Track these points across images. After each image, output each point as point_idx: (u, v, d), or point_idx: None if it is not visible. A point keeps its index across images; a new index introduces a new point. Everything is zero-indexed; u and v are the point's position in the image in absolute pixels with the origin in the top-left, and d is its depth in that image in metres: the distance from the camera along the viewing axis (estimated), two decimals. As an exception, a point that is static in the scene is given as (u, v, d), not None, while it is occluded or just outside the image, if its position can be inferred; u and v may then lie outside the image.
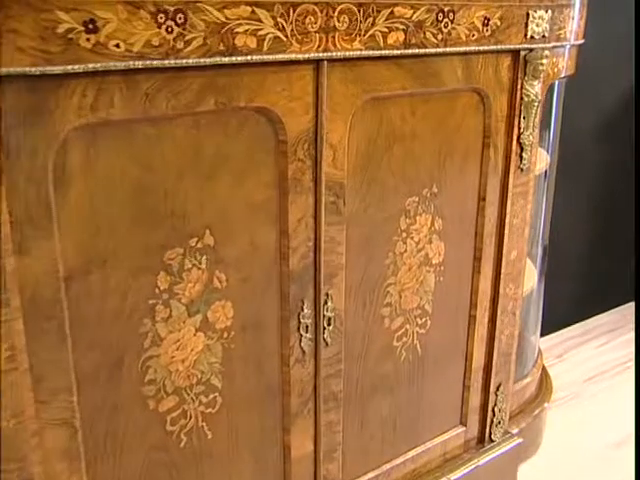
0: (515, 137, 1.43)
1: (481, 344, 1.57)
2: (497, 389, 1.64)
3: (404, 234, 1.34)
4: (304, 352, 1.24)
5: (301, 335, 1.22)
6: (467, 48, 1.26)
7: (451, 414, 1.59)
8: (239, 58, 0.99)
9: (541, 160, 1.68)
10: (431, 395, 1.53)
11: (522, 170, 1.47)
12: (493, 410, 1.65)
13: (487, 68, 1.34)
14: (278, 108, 1.08)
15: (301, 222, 1.16)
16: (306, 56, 1.06)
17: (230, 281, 1.13)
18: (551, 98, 1.72)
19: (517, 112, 1.41)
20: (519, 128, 1.43)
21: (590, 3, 1.58)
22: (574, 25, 1.52)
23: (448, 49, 1.23)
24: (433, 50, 1.21)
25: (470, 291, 1.51)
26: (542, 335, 2.50)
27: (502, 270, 1.52)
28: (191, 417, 1.15)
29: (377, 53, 1.14)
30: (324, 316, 1.24)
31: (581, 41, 1.58)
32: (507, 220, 1.49)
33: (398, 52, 1.17)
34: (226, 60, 0.98)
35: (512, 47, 1.34)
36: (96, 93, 0.90)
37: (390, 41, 1.15)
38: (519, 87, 1.40)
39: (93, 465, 1.05)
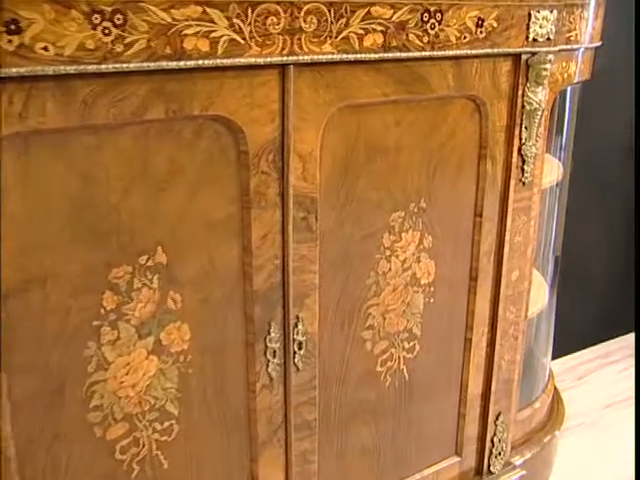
0: (516, 148, 1.32)
1: (478, 370, 1.46)
2: (497, 418, 1.53)
3: (388, 252, 1.25)
4: (271, 378, 1.16)
5: (268, 360, 1.15)
6: (458, 52, 1.17)
7: (445, 444, 1.50)
8: (189, 63, 0.92)
9: (553, 172, 1.57)
10: (421, 423, 1.43)
11: (524, 184, 1.37)
12: (492, 440, 1.54)
13: (483, 73, 1.24)
14: (238, 117, 1.00)
15: (266, 239, 1.08)
16: (268, 60, 0.98)
17: (186, 302, 1.05)
18: (564, 105, 1.60)
19: (518, 121, 1.31)
20: (520, 138, 1.32)
21: (613, 3, 1.47)
22: (588, 27, 1.40)
23: (436, 53, 1.14)
24: (418, 54, 1.12)
25: (466, 313, 1.41)
26: (560, 355, 2.38)
27: (502, 291, 1.42)
28: (144, 445, 1.08)
29: (351, 57, 1.05)
30: (294, 340, 1.16)
31: (597, 44, 1.47)
32: (507, 238, 1.38)
33: (376, 56, 1.08)
34: (174, 65, 0.90)
35: (511, 51, 1.24)
36: (25, 100, 0.83)
37: (367, 44, 1.06)
38: (520, 94, 1.29)
39: (33, 493, 1.00)
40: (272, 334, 1.14)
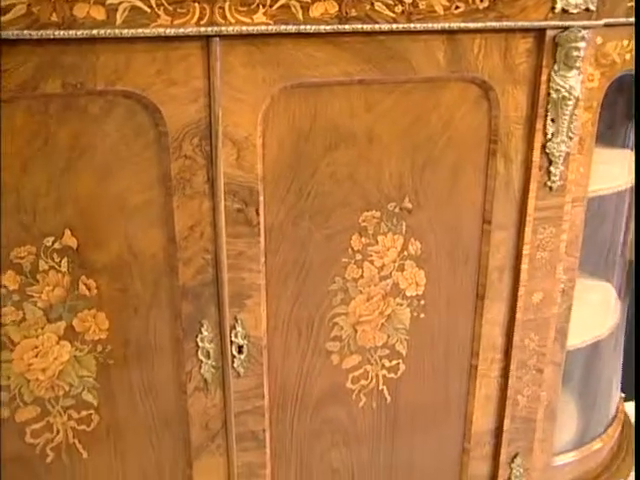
0: (538, 145, 1.11)
1: (487, 402, 1.27)
2: (512, 460, 1.33)
3: (358, 255, 1.11)
4: (206, 380, 1.09)
5: (201, 361, 1.07)
6: (449, 25, 0.98)
7: (444, 478, 1.33)
8: (81, 32, 0.85)
9: (619, 176, 1.31)
10: (411, 453, 1.28)
11: (551, 189, 1.14)
12: (506, 484, 1.35)
13: (490, 52, 1.04)
14: (152, 94, 0.92)
15: (194, 230, 1.00)
16: (181, 31, 0.89)
17: (102, 289, 1.01)
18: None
19: (542, 112, 1.09)
20: (545, 134, 1.10)
21: None
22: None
23: (414, 26, 0.97)
24: (387, 27, 0.96)
25: (471, 337, 1.23)
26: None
27: (518, 316, 1.21)
28: (58, 432, 1.06)
29: (292, 29, 0.92)
30: (232, 342, 1.07)
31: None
32: (526, 252, 1.17)
33: (328, 28, 0.94)
34: (62, 34, 0.85)
35: (528, 25, 1.03)
36: None
37: (315, 14, 0.93)
38: (545, 79, 1.07)
39: (-62, 464, 1.02)
40: (205, 333, 1.06)
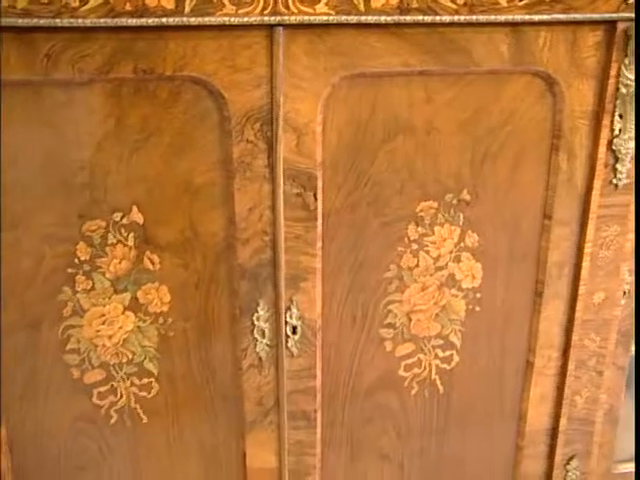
0: (605, 142, 1.09)
1: (542, 401, 1.27)
2: (568, 462, 1.32)
3: (414, 245, 1.13)
4: (261, 358, 1.14)
5: (256, 339, 1.12)
6: (512, 17, 0.99)
7: (495, 475, 1.33)
8: (151, 20, 0.91)
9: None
10: (463, 445, 1.29)
11: (616, 187, 1.12)
12: (561, 486, 1.33)
13: (556, 45, 1.03)
14: (217, 80, 0.97)
15: (253, 212, 1.05)
16: (245, 20, 0.93)
17: (165, 265, 1.07)
18: None
19: (609, 108, 1.07)
20: (612, 130, 1.08)
21: None
22: None
23: (476, 18, 0.98)
24: (448, 18, 0.97)
25: (528, 332, 1.22)
26: None
27: (577, 315, 1.20)
28: (122, 396, 1.14)
29: (353, 19, 0.95)
30: (286, 323, 1.12)
31: None
32: (588, 250, 1.16)
33: (389, 19, 0.96)
34: (134, 22, 0.91)
35: (598, 17, 1.01)
36: (-9, 52, 0.91)
37: (376, 5, 0.95)
38: (614, 74, 1.05)
39: (13, 418, 1.11)
40: (260, 312, 1.11)
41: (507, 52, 1.02)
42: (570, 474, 1.33)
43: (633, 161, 1.11)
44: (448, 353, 1.21)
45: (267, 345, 1.13)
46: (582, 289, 1.18)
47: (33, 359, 1.09)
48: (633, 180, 1.12)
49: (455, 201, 1.11)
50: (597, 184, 1.12)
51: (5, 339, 1.07)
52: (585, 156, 1.11)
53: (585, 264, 1.17)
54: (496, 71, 1.04)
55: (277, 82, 0.98)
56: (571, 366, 1.24)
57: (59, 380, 1.11)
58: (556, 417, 1.28)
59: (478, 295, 1.18)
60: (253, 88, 0.99)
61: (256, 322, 1.11)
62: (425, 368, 1.22)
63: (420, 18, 0.97)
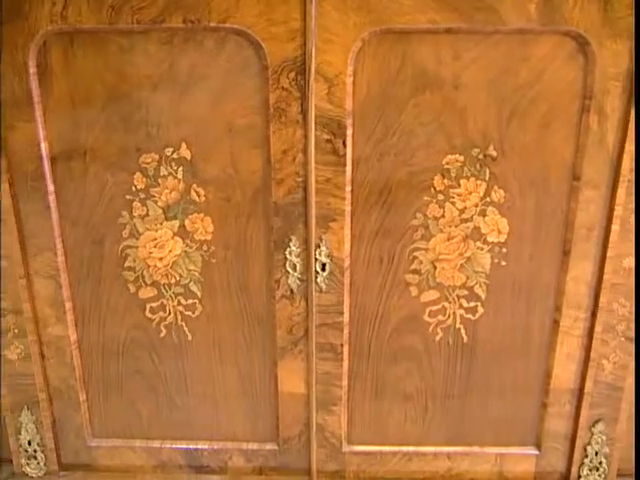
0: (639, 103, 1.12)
1: (569, 361, 1.32)
2: (593, 425, 1.36)
3: (440, 196, 1.21)
4: (292, 290, 1.27)
5: (288, 272, 1.26)
6: (539, -23, 1.04)
7: (517, 428, 1.40)
8: (197, -23, 1.05)
9: None
10: (486, 396, 1.37)
11: (649, 151, 1.15)
12: (585, 448, 1.38)
13: (588, 5, 1.07)
14: (256, 32, 1.10)
15: (287, 154, 1.18)
16: (280, -23, 1.05)
17: (209, 197, 1.23)
18: None
19: (643, 70, 1.10)
20: (645, 93, 1.11)
21: None
22: None
23: (502, -23, 1.04)
24: (474, -23, 1.04)
25: (555, 292, 1.27)
26: None
27: (606, 277, 1.23)
28: (170, 313, 1.32)
29: (381, -23, 1.05)
30: (316, 259, 1.25)
31: None
32: (618, 213, 1.19)
33: (415, -22, 1.05)
34: (183, -23, 1.06)
35: (630, -21, 1.04)
36: (65, 3, 1.09)
37: (403, -36, 1.04)
38: (648, 35, 1.08)
39: (81, 323, 1.33)
40: (293, 247, 1.24)
41: (535, 11, 1.08)
42: (595, 437, 1.37)
43: (666, 126, 1.12)
44: (473, 304, 1.29)
45: (298, 279, 1.26)
46: (611, 252, 1.22)
47: (99, 271, 1.29)
48: (667, 145, 1.14)
49: (481, 156, 1.19)
50: (629, 147, 1.15)
51: (76, 251, 1.27)
52: (617, 118, 1.14)
53: (615, 227, 1.20)
54: (524, 30, 1.10)
55: (309, 35, 1.10)
56: (598, 328, 1.28)
57: (118, 292, 1.31)
58: (582, 378, 1.33)
59: (504, 250, 1.25)
60: (288, 40, 1.11)
61: (288, 256, 1.25)
62: (449, 316, 1.31)
63: (445, -23, 1.04)
